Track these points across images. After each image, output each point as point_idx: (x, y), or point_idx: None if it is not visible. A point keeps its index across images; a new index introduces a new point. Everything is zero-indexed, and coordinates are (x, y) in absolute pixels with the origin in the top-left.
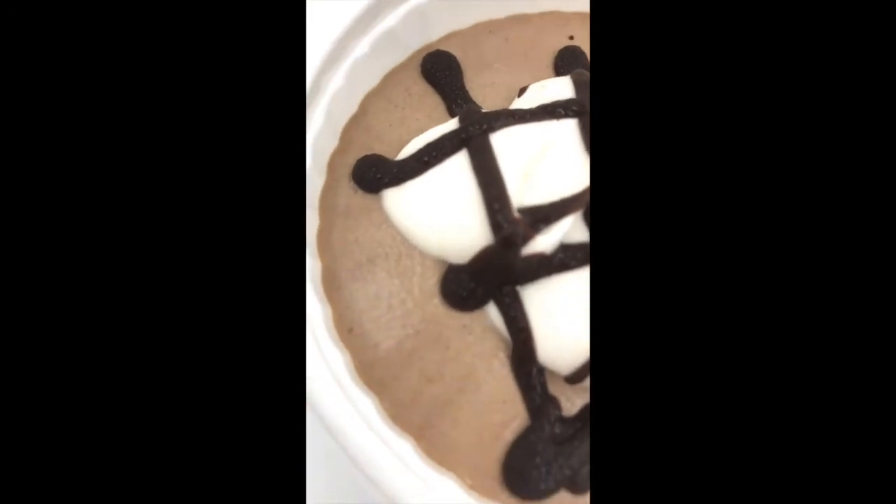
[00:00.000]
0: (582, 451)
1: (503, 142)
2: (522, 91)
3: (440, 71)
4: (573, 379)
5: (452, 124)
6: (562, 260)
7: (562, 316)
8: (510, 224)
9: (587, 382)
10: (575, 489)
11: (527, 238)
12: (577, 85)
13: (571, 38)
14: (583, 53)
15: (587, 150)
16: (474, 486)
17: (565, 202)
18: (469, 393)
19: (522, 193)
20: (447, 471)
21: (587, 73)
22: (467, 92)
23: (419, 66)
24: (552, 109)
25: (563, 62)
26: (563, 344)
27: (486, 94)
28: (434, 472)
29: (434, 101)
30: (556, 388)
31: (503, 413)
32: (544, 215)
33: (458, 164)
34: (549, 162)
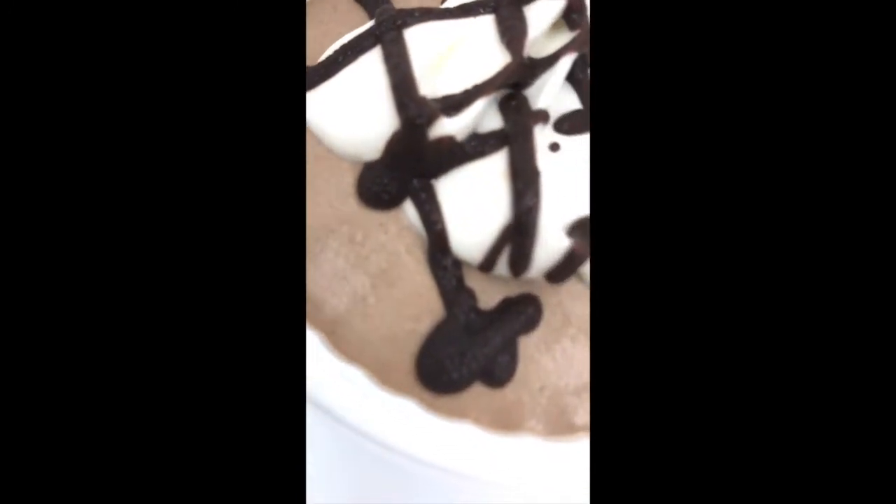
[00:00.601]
0: (497, 342)
1: (416, 36)
2: None
3: None
4: (484, 267)
5: (369, 24)
6: (474, 148)
7: (473, 205)
8: (415, 105)
9: (507, 276)
10: (491, 381)
11: (432, 118)
12: None
13: None
14: None
15: (504, 45)
16: (386, 381)
17: (476, 88)
18: (382, 289)
19: (435, 85)
20: (358, 365)
21: None
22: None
23: None
24: (469, 8)
25: None
26: (473, 232)
27: (411, 3)
28: (346, 365)
29: (361, 15)
30: (474, 282)
31: (418, 307)
32: (455, 102)
33: (371, 60)
34: (462, 54)
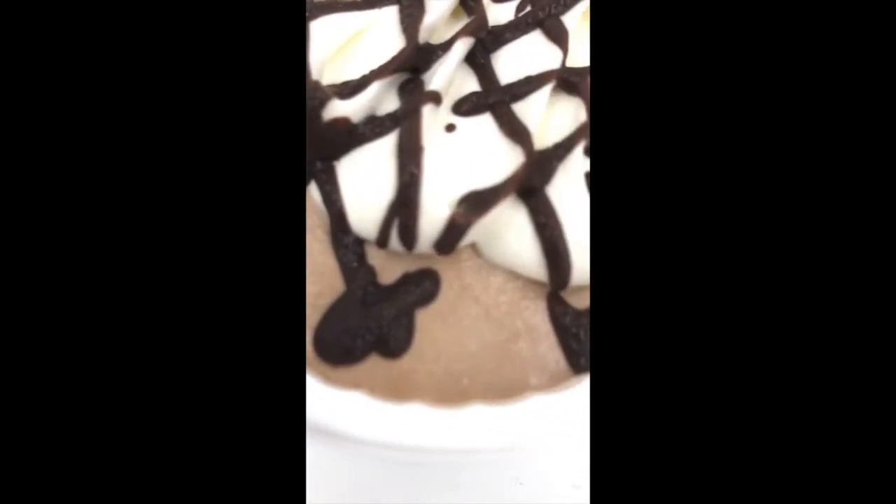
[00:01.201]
0: (391, 314)
1: (321, 27)
2: None
3: None
4: (380, 242)
5: None
6: (371, 129)
7: (366, 183)
8: (309, 89)
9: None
10: (386, 352)
11: (324, 100)
12: None
13: None
14: None
15: (416, 22)
16: None
17: (371, 72)
18: None
19: (341, 71)
20: None
21: None
22: None
23: None
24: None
25: None
26: (366, 208)
27: None
28: None
29: None
30: (376, 259)
31: (320, 284)
32: (351, 86)
33: None
34: (365, 43)
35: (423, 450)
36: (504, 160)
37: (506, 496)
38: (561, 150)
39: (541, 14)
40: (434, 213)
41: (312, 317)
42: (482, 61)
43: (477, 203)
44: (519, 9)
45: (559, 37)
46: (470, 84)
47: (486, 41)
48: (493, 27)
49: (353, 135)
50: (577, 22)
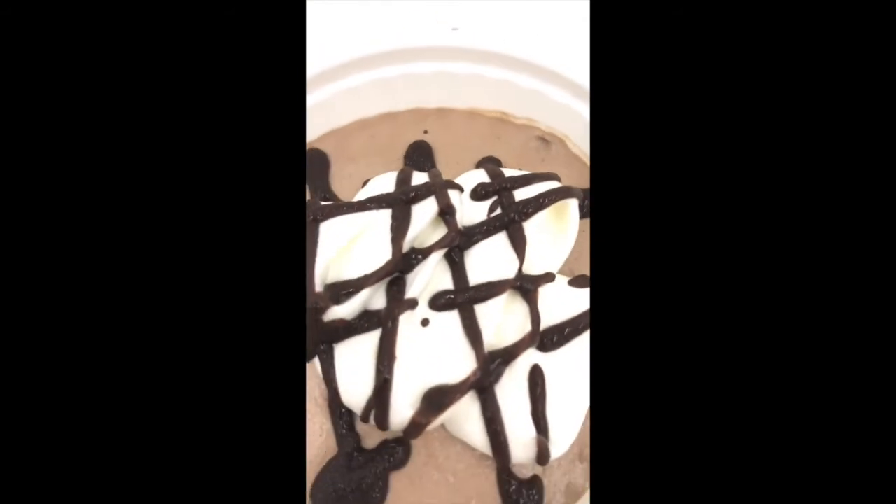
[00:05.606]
0: (371, 476)
1: (328, 229)
2: (365, 183)
3: (312, 167)
4: (363, 419)
5: None
6: (361, 324)
7: (354, 371)
8: (312, 298)
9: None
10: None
11: (323, 309)
12: (399, 180)
13: (426, 132)
14: (428, 146)
15: (402, 234)
16: None
17: (365, 277)
18: None
19: (339, 269)
20: None
21: (409, 169)
22: (329, 185)
23: None
24: (373, 200)
25: (411, 154)
26: (353, 394)
27: (344, 185)
28: None
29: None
30: (361, 427)
31: (317, 446)
32: (345, 288)
33: None
34: (360, 243)
35: None
36: (462, 362)
37: None
38: (507, 356)
39: (506, 219)
40: (401, 411)
41: (310, 472)
42: (457, 260)
43: (436, 403)
44: (491, 209)
45: (518, 244)
46: (445, 279)
47: (461, 241)
48: (467, 227)
49: (348, 328)
50: (542, 222)
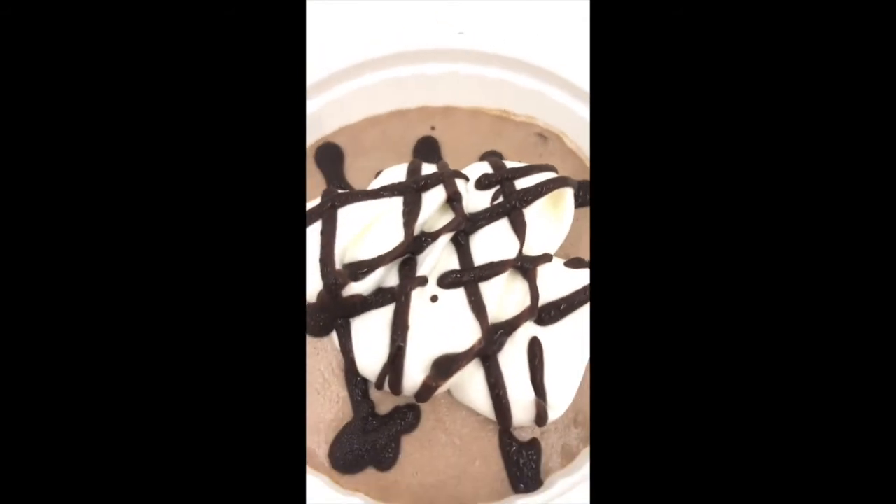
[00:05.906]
0: (384, 438)
1: (345, 214)
2: (378, 174)
3: (327, 160)
4: (378, 386)
5: (317, 201)
6: (375, 300)
7: (370, 341)
8: (330, 275)
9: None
10: (379, 467)
11: (342, 285)
12: (409, 170)
13: (433, 128)
14: (435, 140)
15: (413, 219)
16: (309, 462)
17: (380, 257)
18: (312, 395)
19: (355, 250)
20: None
21: (419, 161)
22: (343, 175)
23: (314, 156)
24: (386, 189)
25: (420, 148)
26: (368, 362)
27: (358, 176)
28: None
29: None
30: (375, 394)
31: (335, 410)
32: (362, 267)
33: (313, 231)
34: (376, 227)
35: None
36: (468, 333)
37: None
38: (509, 328)
39: (508, 206)
40: (413, 376)
41: (329, 435)
42: (463, 243)
43: (444, 369)
44: (494, 197)
45: (519, 229)
46: (452, 260)
47: (467, 226)
48: (472, 213)
49: (364, 303)
50: (540, 209)
